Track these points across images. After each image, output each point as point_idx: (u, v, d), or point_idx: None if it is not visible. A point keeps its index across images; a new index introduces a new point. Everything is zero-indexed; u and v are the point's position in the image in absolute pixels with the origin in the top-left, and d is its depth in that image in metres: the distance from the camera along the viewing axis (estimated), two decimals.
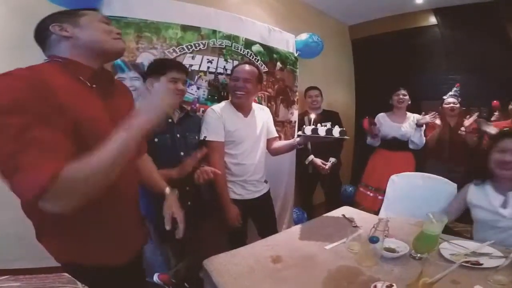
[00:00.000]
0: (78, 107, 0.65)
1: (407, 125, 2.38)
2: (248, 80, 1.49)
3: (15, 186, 0.55)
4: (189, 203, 1.38)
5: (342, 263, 0.98)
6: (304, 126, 1.39)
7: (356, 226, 1.31)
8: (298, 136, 1.46)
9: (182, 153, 1.35)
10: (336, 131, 1.31)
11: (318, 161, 2.29)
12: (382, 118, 2.50)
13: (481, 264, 0.92)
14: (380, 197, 2.35)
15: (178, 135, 1.34)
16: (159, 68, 1.32)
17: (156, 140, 1.27)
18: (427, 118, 2.27)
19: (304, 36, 2.36)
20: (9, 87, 0.56)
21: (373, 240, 0.89)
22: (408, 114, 2.46)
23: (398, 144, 2.40)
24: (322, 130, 1.31)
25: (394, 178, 1.93)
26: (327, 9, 3.26)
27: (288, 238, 1.22)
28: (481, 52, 2.85)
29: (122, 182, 0.78)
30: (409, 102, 2.44)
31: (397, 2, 3.05)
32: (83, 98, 0.69)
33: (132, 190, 0.93)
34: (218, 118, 1.46)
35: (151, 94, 0.72)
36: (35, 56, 0.77)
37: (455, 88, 2.41)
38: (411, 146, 2.38)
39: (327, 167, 2.26)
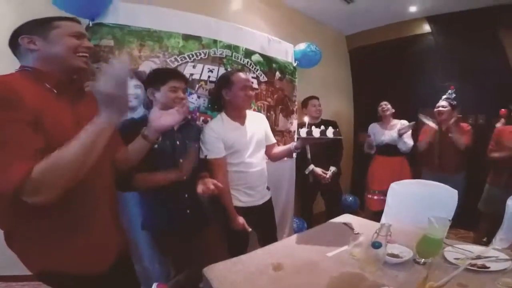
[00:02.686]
0: (44, 110, 0.71)
1: (396, 131, 2.58)
2: (253, 88, 1.54)
3: None
4: (188, 211, 1.37)
5: (345, 269, 0.96)
6: (299, 129, 1.44)
7: (357, 233, 1.30)
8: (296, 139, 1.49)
9: (181, 160, 1.34)
10: (329, 132, 1.37)
11: (319, 170, 2.33)
12: (374, 128, 2.76)
13: (488, 267, 0.91)
14: (383, 198, 2.44)
15: (178, 142, 1.34)
16: (159, 77, 1.33)
17: (156, 146, 1.27)
18: (407, 129, 2.48)
19: (302, 46, 2.40)
20: None
21: (376, 245, 0.89)
22: (395, 121, 2.68)
23: (392, 150, 2.61)
24: (316, 132, 1.37)
25: (394, 186, 1.93)
26: (324, 19, 3.33)
27: (289, 245, 1.21)
28: (475, 58, 2.89)
29: (96, 185, 0.83)
30: (393, 111, 2.69)
31: (392, 11, 3.12)
32: (48, 103, 0.74)
33: (107, 193, 0.92)
34: (216, 136, 1.47)
35: (102, 85, 0.72)
36: None
37: (449, 91, 2.47)
38: (401, 151, 2.58)
39: (327, 176, 2.28)
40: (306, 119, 1.52)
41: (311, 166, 2.35)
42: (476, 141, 2.31)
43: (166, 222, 1.33)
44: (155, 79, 1.33)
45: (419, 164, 2.58)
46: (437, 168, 2.33)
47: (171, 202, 1.32)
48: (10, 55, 0.84)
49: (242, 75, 1.55)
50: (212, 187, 1.27)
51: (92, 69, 1.36)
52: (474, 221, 2.30)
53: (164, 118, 1.05)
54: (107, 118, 0.73)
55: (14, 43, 0.79)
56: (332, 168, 2.39)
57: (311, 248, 1.16)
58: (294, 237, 1.31)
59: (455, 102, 2.41)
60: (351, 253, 1.06)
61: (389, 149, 2.61)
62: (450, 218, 1.69)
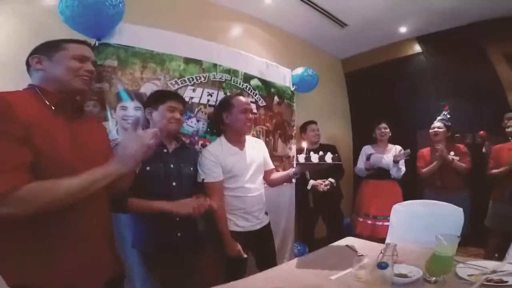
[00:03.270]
0: (36, 126, 0.74)
1: (390, 156, 2.53)
2: (252, 111, 1.57)
3: None
4: (178, 234, 1.32)
5: None
6: (298, 155, 1.44)
7: (361, 255, 1.24)
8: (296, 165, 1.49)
9: (174, 183, 1.32)
10: (328, 157, 1.37)
11: (318, 181, 2.28)
12: (368, 150, 2.70)
13: (506, 282, 0.87)
14: (378, 223, 2.42)
15: (172, 165, 1.33)
16: (158, 97, 1.36)
17: (148, 168, 1.25)
18: (402, 156, 2.41)
19: (299, 71, 2.48)
20: None
21: (382, 265, 0.84)
22: (390, 145, 2.64)
23: (384, 174, 2.54)
24: (315, 157, 1.36)
25: (397, 207, 1.90)
26: (320, 43, 3.44)
27: (290, 269, 1.16)
28: (466, 76, 2.93)
29: (89, 209, 0.84)
30: (390, 135, 2.63)
31: (383, 33, 3.22)
32: (42, 119, 0.78)
33: (101, 217, 0.92)
34: (214, 160, 1.47)
35: (128, 142, 0.83)
36: None
37: (444, 112, 2.50)
38: (391, 176, 2.52)
39: (324, 184, 2.23)
40: (304, 145, 1.52)
41: (311, 182, 2.31)
42: (477, 159, 2.31)
43: (155, 243, 1.28)
44: (154, 99, 1.36)
45: (414, 186, 2.54)
46: (440, 189, 2.30)
47: (162, 225, 1.28)
48: (18, 68, 0.89)
49: (242, 98, 1.58)
50: (204, 203, 1.24)
51: (93, 90, 1.40)
52: (483, 238, 2.23)
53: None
54: (115, 169, 0.81)
55: (26, 63, 0.87)
56: (331, 180, 2.33)
57: (313, 272, 1.10)
58: (294, 261, 1.25)
59: (449, 123, 2.45)
60: (356, 275, 1.00)
61: (381, 172, 2.55)
62: (459, 235, 1.65)
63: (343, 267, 1.09)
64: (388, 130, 2.63)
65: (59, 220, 0.77)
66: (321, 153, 1.37)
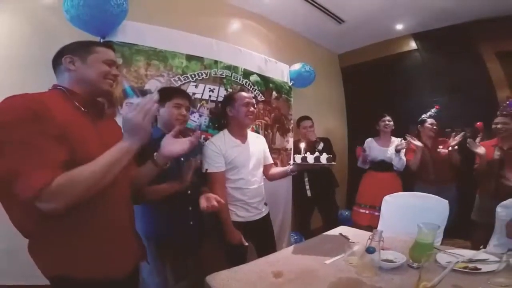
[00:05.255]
0: (71, 125, 0.78)
1: (392, 149, 2.58)
2: (254, 105, 1.64)
3: (16, 187, 0.68)
4: (191, 223, 1.42)
5: (343, 275, 1.02)
6: (295, 155, 1.52)
7: (352, 242, 1.36)
8: (292, 164, 1.57)
9: (189, 191, 1.41)
10: (323, 158, 1.45)
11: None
12: (370, 143, 2.72)
13: (480, 269, 0.97)
14: (376, 213, 2.46)
15: (182, 159, 1.41)
16: (165, 94, 1.41)
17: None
18: (404, 144, 2.46)
19: (297, 66, 2.54)
20: (13, 108, 0.71)
21: (370, 250, 0.95)
22: (393, 138, 2.68)
23: (385, 166, 2.61)
24: (310, 158, 1.45)
25: (387, 198, 2.00)
26: (317, 39, 3.49)
27: (289, 255, 1.27)
28: (459, 73, 3.02)
29: (116, 196, 0.89)
30: (393, 128, 2.66)
31: (380, 30, 3.27)
32: (75, 120, 0.82)
33: (126, 204, 0.98)
34: (217, 151, 1.55)
35: (131, 115, 0.82)
36: (51, 75, 0.92)
37: (434, 109, 2.60)
38: (394, 169, 2.59)
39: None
40: (302, 145, 1.57)
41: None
42: (464, 154, 2.42)
43: (171, 233, 1.38)
44: (161, 96, 1.41)
45: (412, 178, 2.65)
46: (430, 181, 2.41)
47: (176, 214, 1.38)
48: (28, 72, 0.90)
49: (244, 93, 1.66)
50: (215, 203, 1.32)
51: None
52: (470, 231, 2.37)
53: (175, 146, 1.07)
54: (129, 144, 0.82)
55: (57, 60, 0.89)
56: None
57: (309, 257, 1.20)
58: (293, 247, 1.36)
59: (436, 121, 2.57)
60: (348, 260, 1.12)
61: (383, 165, 2.63)
62: (443, 227, 1.77)
63: (336, 253, 1.20)
64: (392, 123, 2.66)
65: (91, 212, 0.81)
66: (317, 153, 1.46)
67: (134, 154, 0.84)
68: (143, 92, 1.60)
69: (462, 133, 2.39)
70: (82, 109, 0.87)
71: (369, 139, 2.76)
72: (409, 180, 2.68)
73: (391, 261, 1.07)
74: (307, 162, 1.43)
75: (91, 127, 0.87)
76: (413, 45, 3.43)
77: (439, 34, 3.16)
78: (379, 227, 1.99)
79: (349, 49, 3.84)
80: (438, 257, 1.08)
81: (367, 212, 2.63)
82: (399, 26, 3.26)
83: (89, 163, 0.75)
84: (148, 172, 1.07)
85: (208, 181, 1.54)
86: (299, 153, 1.48)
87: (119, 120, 1.49)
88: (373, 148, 2.69)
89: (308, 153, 1.46)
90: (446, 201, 1.78)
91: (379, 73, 3.61)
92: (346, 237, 1.42)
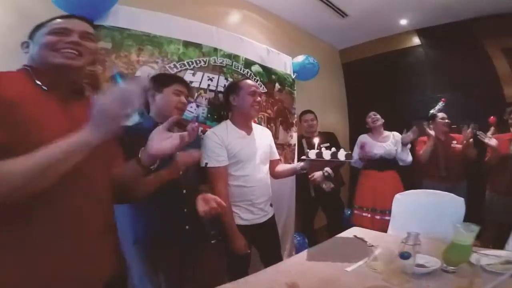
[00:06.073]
0: (22, 105, 0.66)
1: (390, 143, 2.42)
2: (261, 95, 1.49)
3: None
4: (187, 227, 1.24)
5: (369, 283, 0.88)
6: (307, 150, 1.33)
7: (372, 245, 1.22)
8: (302, 160, 1.40)
9: (180, 172, 1.22)
10: (341, 154, 1.28)
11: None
12: (363, 139, 2.56)
13: None
14: (377, 217, 2.33)
15: (177, 152, 1.25)
16: (164, 80, 1.28)
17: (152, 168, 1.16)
18: (411, 135, 2.28)
19: (300, 58, 2.42)
20: None
21: (405, 256, 0.81)
22: (386, 132, 2.53)
23: (385, 164, 2.42)
24: (327, 154, 1.27)
25: (398, 196, 1.89)
26: (319, 33, 3.41)
27: (302, 262, 1.11)
28: (464, 69, 2.99)
29: (83, 191, 0.73)
30: (383, 121, 2.52)
31: (383, 25, 3.22)
32: (32, 99, 0.70)
33: (100, 208, 0.79)
34: (219, 143, 1.38)
35: (107, 98, 0.66)
36: None
37: (440, 103, 2.52)
38: (400, 163, 2.39)
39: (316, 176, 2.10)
40: (316, 140, 1.39)
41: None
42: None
43: (162, 238, 1.20)
44: (159, 81, 1.26)
45: (416, 175, 2.54)
46: (440, 179, 2.31)
47: (169, 217, 1.20)
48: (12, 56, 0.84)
49: (250, 81, 1.52)
50: (215, 205, 1.14)
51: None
52: (479, 230, 2.28)
53: (165, 143, 0.85)
54: (89, 135, 0.65)
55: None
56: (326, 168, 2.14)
57: (325, 264, 1.06)
58: (304, 253, 1.20)
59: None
60: (371, 266, 0.98)
61: (381, 163, 2.42)
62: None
63: (356, 258, 1.06)
64: (378, 116, 2.52)
65: (38, 217, 0.65)
66: (333, 149, 1.29)
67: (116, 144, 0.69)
68: (134, 80, 1.44)
69: (471, 126, 2.29)
70: (44, 88, 0.74)
71: (362, 135, 2.62)
72: (411, 178, 2.55)
73: (422, 265, 0.93)
74: (323, 158, 1.26)
75: (57, 110, 0.74)
76: (416, 41, 3.39)
77: (444, 30, 3.12)
78: (390, 228, 1.87)
79: (351, 45, 3.77)
80: (476, 260, 0.96)
81: (368, 215, 2.41)
82: (403, 22, 3.20)
83: (31, 154, 0.59)
84: (131, 173, 0.87)
85: (208, 177, 1.37)
86: (312, 148, 1.31)
87: None
88: (368, 144, 2.50)
89: (323, 147, 1.30)
90: (462, 199, 1.68)
91: (381, 69, 3.55)
92: (363, 240, 1.28)
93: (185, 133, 0.87)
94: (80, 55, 0.77)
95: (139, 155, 0.86)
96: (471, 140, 2.25)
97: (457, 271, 0.91)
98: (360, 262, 1.02)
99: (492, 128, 2.44)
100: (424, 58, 3.34)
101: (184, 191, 1.22)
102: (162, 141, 0.85)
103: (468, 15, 2.90)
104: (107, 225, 0.82)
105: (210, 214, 1.13)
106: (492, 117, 2.52)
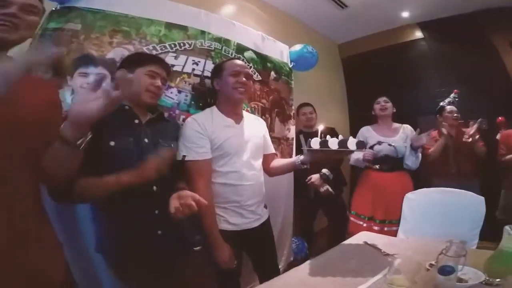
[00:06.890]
0: None
1: (398, 138, 2.02)
2: (249, 76, 1.26)
3: None
4: (159, 232, 1.02)
5: None
6: (309, 139, 1.10)
7: (387, 254, 1.02)
8: (305, 151, 1.18)
9: (149, 178, 0.98)
10: (351, 143, 1.05)
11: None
12: (367, 132, 2.13)
13: None
14: (375, 228, 1.96)
15: (146, 140, 1.02)
16: (136, 59, 1.09)
17: (112, 143, 0.94)
18: (424, 139, 1.90)
19: (298, 47, 2.22)
20: None
21: (447, 270, 0.61)
22: (396, 124, 2.12)
23: (390, 163, 1.99)
24: (333, 143, 1.05)
25: (409, 195, 1.72)
26: (318, 25, 3.26)
27: (304, 277, 0.90)
28: (470, 63, 2.87)
29: None
30: (394, 110, 2.13)
31: (384, 17, 3.10)
32: None
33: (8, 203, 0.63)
34: (201, 131, 1.16)
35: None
36: None
37: (452, 95, 2.34)
38: (405, 167, 2.01)
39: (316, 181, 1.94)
40: (320, 127, 1.17)
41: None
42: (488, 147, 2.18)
43: (128, 246, 0.97)
44: (131, 61, 1.07)
45: (428, 173, 2.32)
46: (452, 176, 2.11)
47: (137, 220, 0.97)
48: None
49: (236, 61, 1.30)
50: (191, 202, 0.91)
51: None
52: (494, 231, 2.10)
53: (89, 104, 0.67)
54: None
55: None
56: (324, 170, 1.96)
57: (334, 281, 0.86)
58: (306, 266, 0.98)
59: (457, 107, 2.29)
60: (392, 281, 0.77)
61: (388, 161, 2.00)
62: (479, 229, 1.47)
63: (370, 271, 0.86)
64: (390, 104, 2.09)
65: None
66: (340, 136, 1.08)
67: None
68: (104, 62, 1.24)
69: (479, 121, 2.12)
70: None
71: (365, 127, 2.17)
72: (418, 176, 2.31)
73: (460, 279, 0.73)
74: (328, 147, 1.03)
75: None
76: (419, 34, 3.28)
77: (448, 23, 3.00)
78: (400, 231, 1.69)
79: (350, 38, 3.62)
80: None
81: (364, 224, 2.02)
82: (405, 14, 3.08)
83: None
84: (56, 153, 0.68)
85: (186, 173, 1.14)
86: (316, 141, 1.07)
87: (68, 92, 1.16)
88: (371, 138, 2.07)
89: (328, 136, 1.07)
90: (482, 198, 1.52)
91: (382, 63, 3.42)
92: (375, 247, 1.08)
93: (107, 78, 0.73)
94: (15, 28, 0.69)
95: (60, 129, 0.67)
96: (476, 136, 2.06)
97: (503, 284, 0.73)
98: (378, 277, 0.82)
99: (502, 130, 2.30)
100: (428, 51, 3.23)
101: (155, 188, 1.00)
102: (83, 103, 0.68)
103: (473, 8, 2.79)
104: (31, 230, 0.67)
105: (183, 213, 0.90)
106: (500, 117, 2.38)
